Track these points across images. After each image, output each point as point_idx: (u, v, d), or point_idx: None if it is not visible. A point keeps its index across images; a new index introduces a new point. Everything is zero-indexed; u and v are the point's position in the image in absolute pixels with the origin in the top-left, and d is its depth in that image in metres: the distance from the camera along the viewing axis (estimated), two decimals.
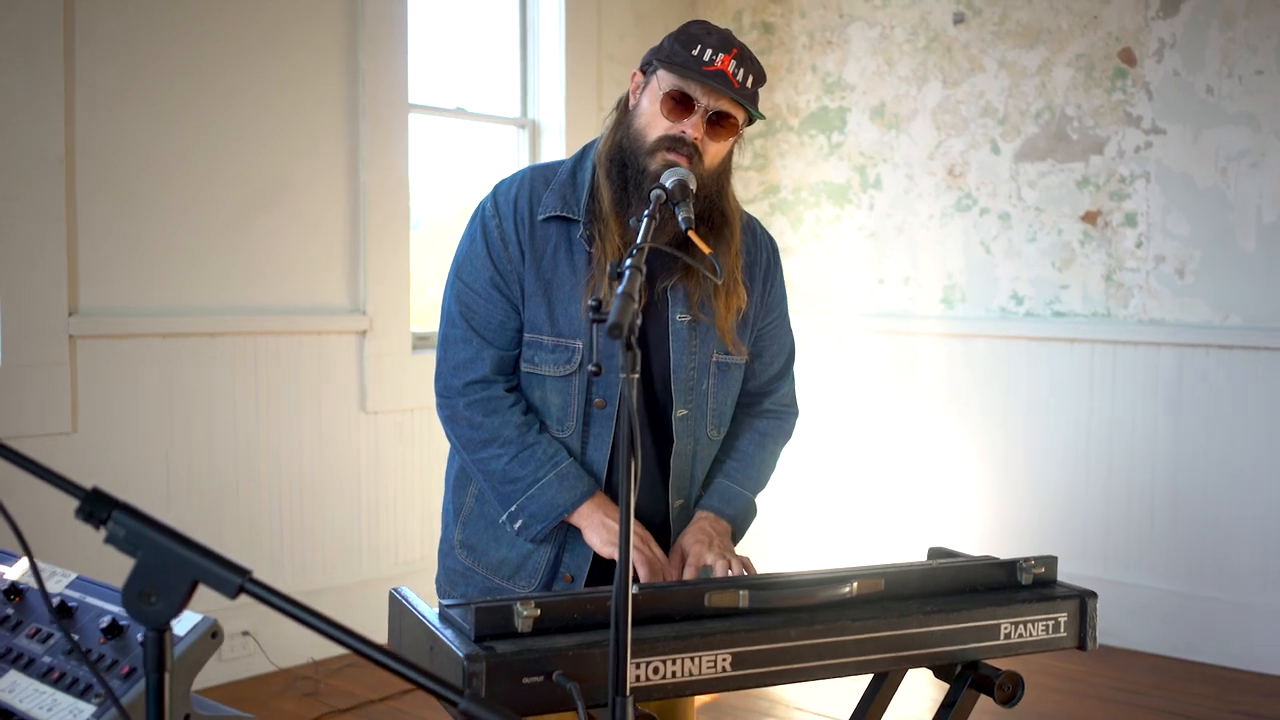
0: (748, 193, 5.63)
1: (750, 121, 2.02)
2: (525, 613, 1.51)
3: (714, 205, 2.03)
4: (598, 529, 2.00)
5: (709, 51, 1.93)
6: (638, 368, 1.35)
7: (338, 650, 4.21)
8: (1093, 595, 1.83)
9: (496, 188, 2.09)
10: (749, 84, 1.96)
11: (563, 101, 5.16)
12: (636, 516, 2.08)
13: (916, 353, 5.17)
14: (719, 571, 2.01)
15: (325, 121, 4.33)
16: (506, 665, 1.45)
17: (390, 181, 4.52)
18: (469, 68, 5.12)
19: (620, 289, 1.34)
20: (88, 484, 3.48)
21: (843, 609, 1.69)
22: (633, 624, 1.59)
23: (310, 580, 4.34)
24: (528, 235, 2.02)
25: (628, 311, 1.29)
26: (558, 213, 2.02)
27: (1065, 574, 2.00)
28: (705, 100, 1.94)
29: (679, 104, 1.95)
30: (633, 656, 1.52)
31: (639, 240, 1.64)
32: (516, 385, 2.08)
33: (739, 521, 2.15)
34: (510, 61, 5.22)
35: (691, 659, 1.55)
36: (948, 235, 5.12)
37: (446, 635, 1.50)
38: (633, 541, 1.94)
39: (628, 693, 1.37)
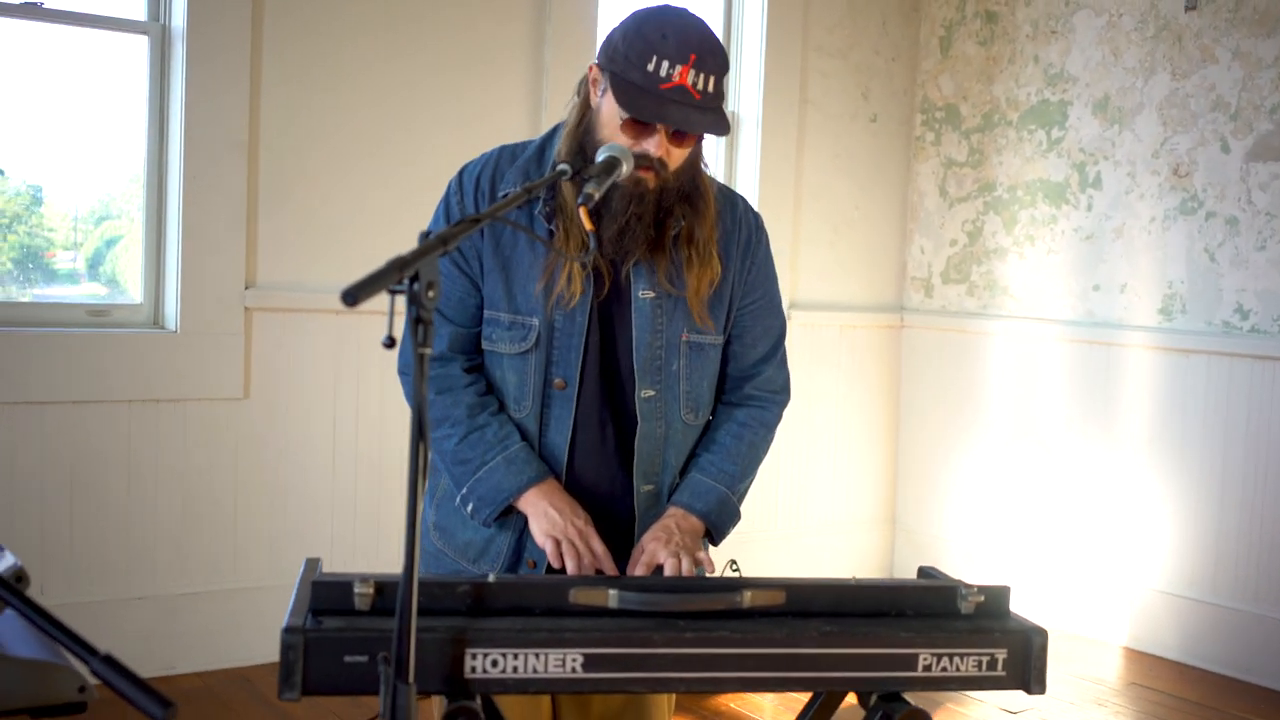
0: (960, 190, 5.36)
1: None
2: (362, 590, 1.50)
3: (685, 180, 1.95)
4: (540, 517, 1.95)
5: (665, 65, 1.81)
6: (429, 342, 1.31)
7: None
8: (1041, 632, 1.63)
9: (465, 166, 2.08)
10: (710, 88, 1.84)
11: (760, 94, 5.07)
12: (593, 504, 2.02)
13: (1126, 366, 4.77)
14: (669, 570, 1.92)
15: (506, 108, 4.44)
16: (327, 642, 1.44)
17: None
18: None
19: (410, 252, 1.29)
20: (255, 445, 3.69)
21: (726, 620, 1.57)
22: (487, 614, 1.55)
23: None
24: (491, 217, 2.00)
25: (372, 280, 1.24)
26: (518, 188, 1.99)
27: None
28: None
29: (640, 125, 1.87)
30: (472, 646, 1.47)
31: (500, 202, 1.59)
32: (478, 365, 2.06)
33: (713, 519, 2.04)
34: None
35: (537, 655, 1.49)
36: (1169, 240, 4.69)
37: (290, 608, 1.51)
38: (568, 532, 1.91)
39: (410, 680, 1.33)
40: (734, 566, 4.84)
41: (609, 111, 1.89)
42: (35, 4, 3.73)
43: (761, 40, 5.06)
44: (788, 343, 2.25)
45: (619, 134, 1.88)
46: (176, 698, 3.69)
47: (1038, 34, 5.11)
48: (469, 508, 2.00)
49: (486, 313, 2.02)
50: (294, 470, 4.10)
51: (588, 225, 1.76)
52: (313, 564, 1.71)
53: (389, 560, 4.16)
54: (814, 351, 5.25)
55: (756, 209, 2.20)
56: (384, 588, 1.51)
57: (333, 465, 4.18)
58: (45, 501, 3.70)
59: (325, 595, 1.50)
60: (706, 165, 2.04)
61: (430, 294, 1.32)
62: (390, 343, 1.29)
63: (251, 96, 3.97)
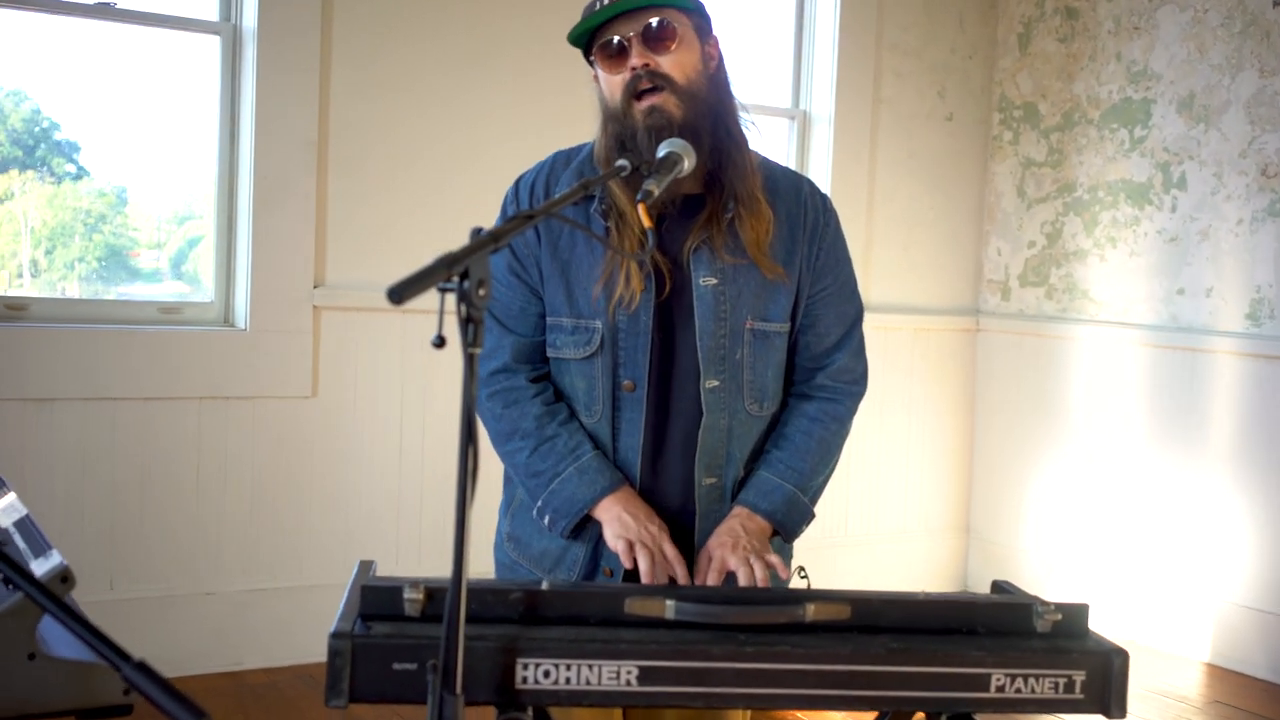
0: (1039, 190, 5.23)
1: (689, 10, 1.94)
2: (412, 596, 1.46)
3: (720, 125, 1.93)
4: (613, 522, 1.91)
5: None
6: (479, 342, 1.27)
7: None
8: (1122, 654, 1.55)
9: (520, 176, 2.06)
10: None
11: (833, 93, 4.99)
12: (664, 504, 1.97)
13: (1211, 373, 4.62)
14: (742, 578, 1.87)
15: (576, 112, 4.39)
16: (375, 649, 1.40)
17: None
18: (742, 56, 5.05)
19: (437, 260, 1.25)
20: (324, 443, 3.69)
21: (788, 634, 1.51)
22: (540, 622, 1.51)
23: None
24: (547, 218, 1.96)
25: (419, 277, 1.19)
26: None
27: None
28: (625, 29, 1.89)
29: (611, 54, 1.90)
30: (523, 656, 1.43)
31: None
32: (545, 374, 2.02)
33: (780, 518, 1.99)
34: (785, 50, 5.10)
35: (590, 666, 1.44)
36: (1258, 243, 4.54)
37: (340, 613, 1.47)
38: (640, 536, 1.86)
39: (457, 691, 1.29)
40: (802, 573, 4.76)
41: (600, 75, 1.95)
42: (108, 4, 3.76)
43: (834, 39, 4.98)
44: None
45: (611, 82, 1.92)
46: (242, 694, 3.72)
47: (1120, 30, 4.98)
48: (545, 519, 1.97)
49: (549, 319, 1.99)
50: (361, 469, 4.10)
51: (646, 222, 1.71)
52: (365, 566, 1.68)
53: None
54: (886, 355, 5.16)
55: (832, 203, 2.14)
56: (435, 593, 1.47)
57: (399, 464, 4.17)
58: (116, 496, 3.73)
59: (375, 600, 1.47)
60: (746, 110, 2.01)
61: (481, 292, 1.27)
62: (440, 342, 1.25)
63: (321, 96, 3.98)
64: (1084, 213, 5.10)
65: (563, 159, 2.06)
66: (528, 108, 4.29)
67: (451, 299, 1.28)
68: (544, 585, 1.51)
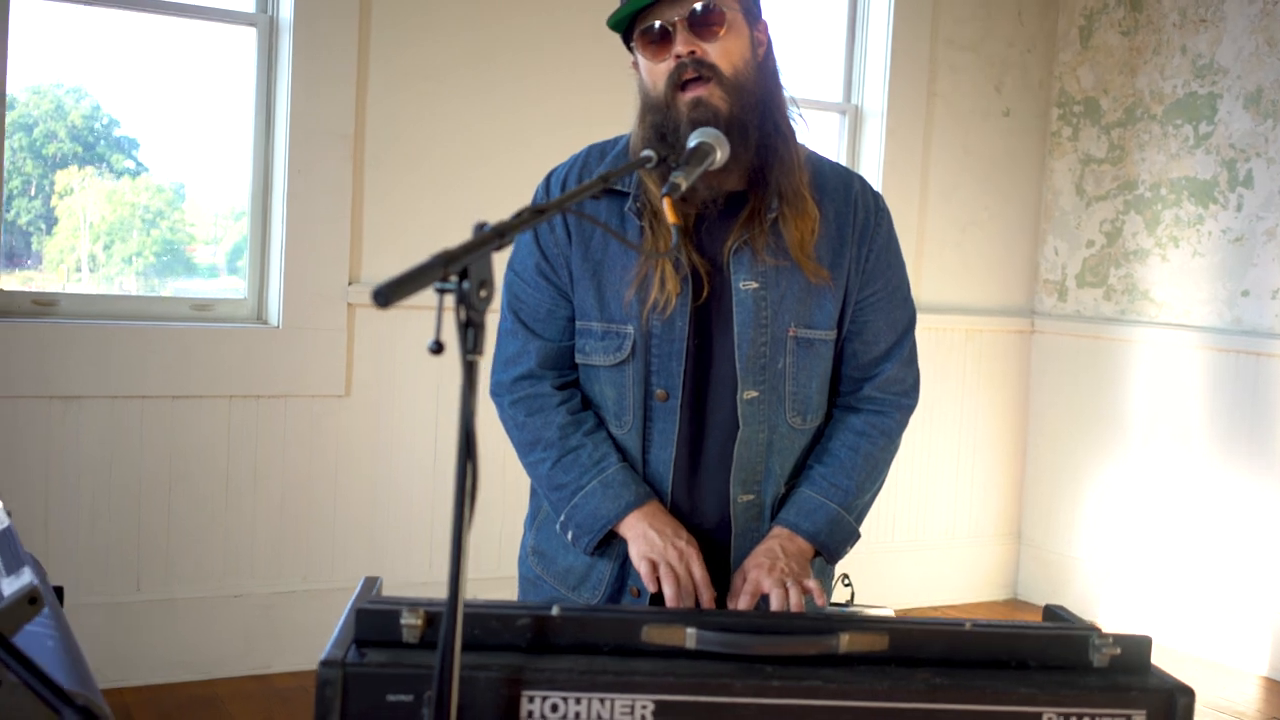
0: (1099, 188, 5.05)
1: None
2: (409, 621, 1.35)
3: (768, 119, 1.80)
4: (638, 539, 1.79)
5: None
6: (480, 349, 1.16)
7: None
8: (1187, 692, 1.41)
9: (552, 170, 1.94)
10: None
11: (885, 88, 4.84)
12: (698, 521, 1.86)
13: (1275, 379, 4.42)
14: (775, 602, 1.74)
15: (613, 108, 4.28)
16: (367, 678, 1.29)
17: None
18: (792, 48, 4.91)
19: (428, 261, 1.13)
20: (356, 443, 3.61)
21: (819, 667, 1.39)
22: (549, 651, 1.39)
23: None
24: (574, 215, 1.84)
25: (411, 277, 1.08)
26: (610, 186, 1.83)
27: None
28: (669, 14, 1.75)
29: (654, 39, 1.77)
30: (528, 688, 1.31)
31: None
32: (572, 381, 1.91)
33: (823, 539, 1.85)
34: (837, 44, 4.96)
35: (602, 700, 1.32)
36: None
37: (333, 638, 1.37)
38: (665, 555, 1.74)
39: None
40: (846, 581, 4.62)
41: (641, 64, 1.83)
42: None
43: (888, 32, 4.83)
44: None
45: (654, 71, 1.79)
46: (270, 698, 3.65)
47: (1185, 22, 4.78)
48: (569, 535, 1.86)
49: (578, 323, 1.87)
50: (394, 470, 4.01)
51: (671, 218, 1.58)
52: (370, 584, 1.57)
53: (488, 568, 4.05)
54: (938, 356, 5.00)
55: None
56: (435, 617, 1.36)
57: (434, 466, 4.08)
58: (144, 497, 3.66)
59: (370, 624, 1.36)
60: (794, 102, 1.88)
61: (483, 294, 1.16)
62: (437, 347, 1.14)
63: (358, 89, 3.89)
64: (1145, 211, 4.91)
65: (597, 152, 1.93)
66: (571, 99, 4.18)
67: (451, 300, 1.17)
68: (554, 610, 1.40)
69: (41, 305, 3.60)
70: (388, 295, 1.04)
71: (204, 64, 3.90)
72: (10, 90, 3.57)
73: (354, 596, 1.50)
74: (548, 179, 1.94)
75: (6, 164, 3.61)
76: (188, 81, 3.90)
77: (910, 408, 1.97)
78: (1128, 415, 4.88)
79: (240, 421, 3.78)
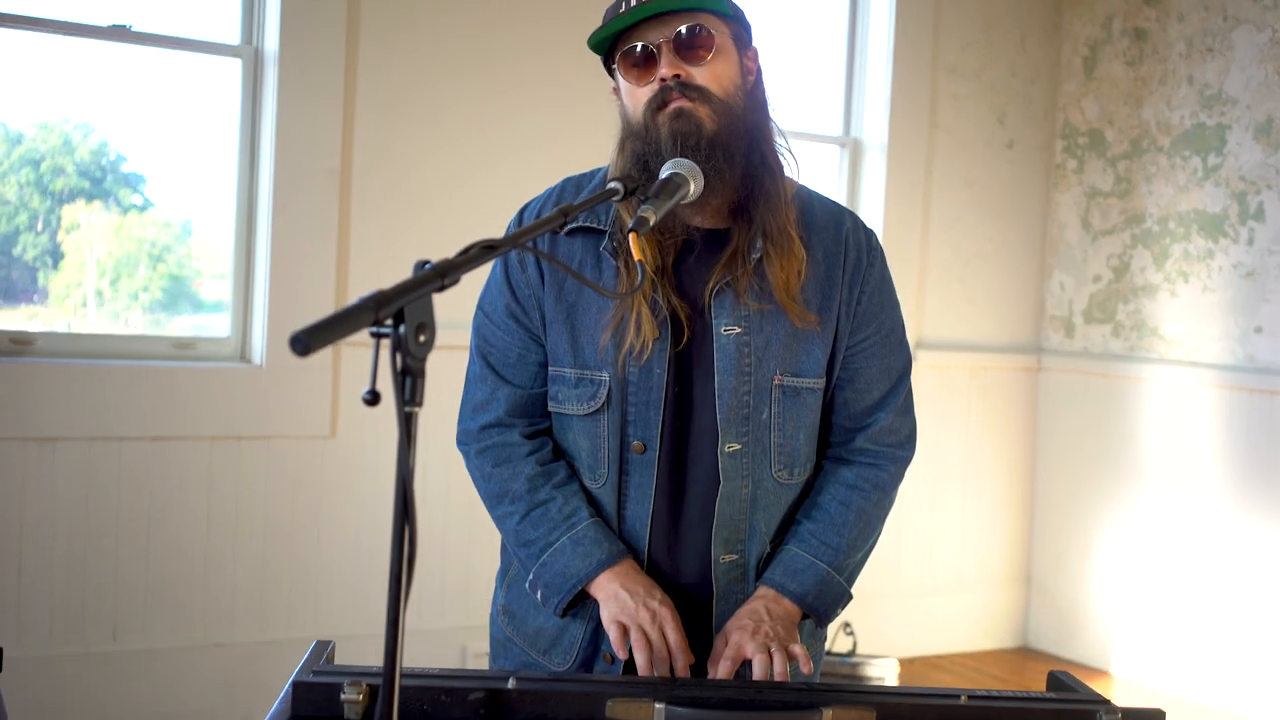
0: (1106, 222, 4.94)
1: (728, 16, 1.70)
2: (350, 697, 1.23)
3: (755, 150, 1.69)
4: (609, 601, 1.67)
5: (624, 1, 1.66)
6: (419, 400, 1.05)
7: None
8: None
9: (526, 204, 1.83)
10: None
11: (886, 118, 4.75)
12: (678, 582, 1.73)
13: None
14: (758, 670, 1.62)
15: (602, 144, 4.20)
16: None
17: None
18: (789, 79, 4.82)
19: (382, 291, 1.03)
20: (342, 486, 3.48)
21: None
22: None
23: None
24: (530, 253, 1.73)
25: (335, 321, 0.97)
26: (583, 224, 1.72)
27: None
28: (653, 35, 1.65)
29: (637, 62, 1.66)
30: None
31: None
32: (544, 430, 1.79)
33: (811, 601, 1.73)
34: (835, 75, 4.87)
35: None
36: None
37: (270, 714, 1.25)
38: (638, 617, 1.62)
39: None
40: (848, 630, 4.48)
41: (623, 85, 1.72)
42: (124, 27, 3.61)
43: (888, 61, 4.74)
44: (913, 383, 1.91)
45: (636, 93, 1.68)
46: None
47: (1192, 52, 4.69)
48: (538, 594, 1.74)
49: (551, 369, 1.76)
50: (381, 514, 3.89)
51: (636, 255, 1.47)
52: (320, 649, 1.45)
53: (481, 612, 3.92)
54: (941, 394, 4.88)
55: (879, 239, 1.86)
56: (379, 690, 1.24)
57: (422, 512, 3.96)
58: (121, 542, 3.55)
59: (308, 699, 1.25)
60: (783, 135, 1.76)
61: (421, 339, 1.05)
62: (372, 397, 1.03)
63: (345, 122, 3.81)
64: (1153, 245, 4.80)
65: (573, 185, 1.83)
66: (563, 138, 4.09)
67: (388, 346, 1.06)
68: (510, 683, 1.28)
69: (18, 344, 3.50)
70: (306, 342, 0.93)
71: (197, 97, 3.82)
72: (18, 125, 3.52)
73: (299, 666, 1.39)
74: (521, 212, 1.83)
75: (14, 198, 3.58)
76: (184, 115, 3.84)
77: (906, 460, 1.84)
78: (1138, 455, 4.75)
79: (222, 464, 3.67)
